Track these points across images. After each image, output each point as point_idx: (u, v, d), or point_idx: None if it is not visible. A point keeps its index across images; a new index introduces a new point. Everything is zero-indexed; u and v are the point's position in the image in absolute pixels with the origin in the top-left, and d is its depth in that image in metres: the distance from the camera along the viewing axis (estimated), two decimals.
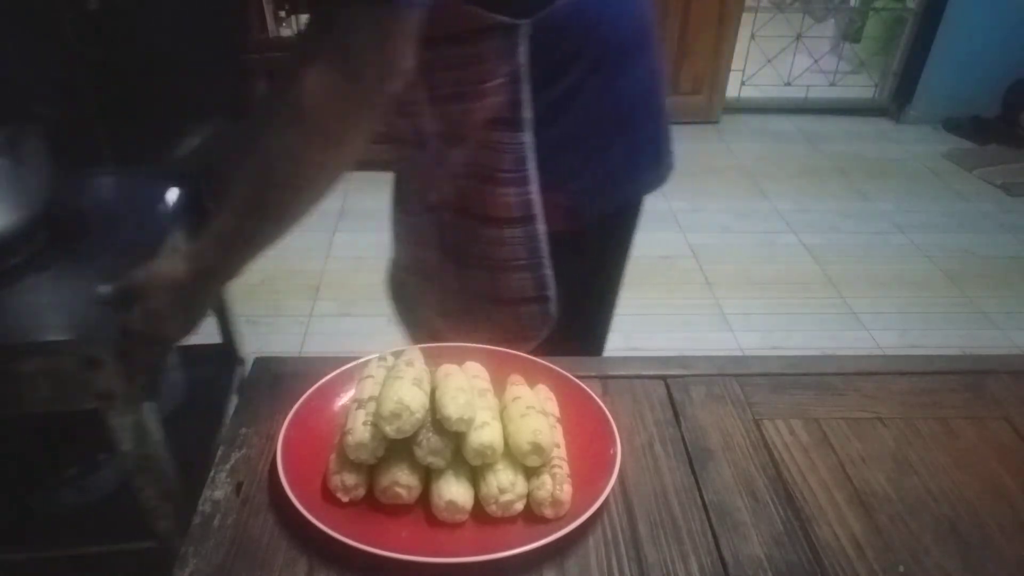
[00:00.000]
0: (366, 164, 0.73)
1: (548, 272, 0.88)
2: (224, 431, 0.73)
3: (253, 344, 2.17)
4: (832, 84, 3.85)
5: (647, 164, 0.93)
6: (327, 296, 2.38)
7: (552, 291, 0.89)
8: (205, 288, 0.77)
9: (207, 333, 1.44)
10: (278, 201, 0.71)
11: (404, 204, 0.99)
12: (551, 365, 0.78)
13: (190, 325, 0.79)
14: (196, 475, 0.73)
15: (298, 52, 0.94)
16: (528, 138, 0.80)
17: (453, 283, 0.93)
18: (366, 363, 0.76)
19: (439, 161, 0.86)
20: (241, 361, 1.58)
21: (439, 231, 0.92)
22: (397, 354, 0.75)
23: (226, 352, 1.56)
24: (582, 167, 0.86)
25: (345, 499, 0.64)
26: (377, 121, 0.69)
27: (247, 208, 0.71)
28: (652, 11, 0.88)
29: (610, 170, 0.88)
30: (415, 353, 0.74)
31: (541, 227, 0.85)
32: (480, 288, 0.90)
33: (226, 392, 1.47)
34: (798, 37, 3.79)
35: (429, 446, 0.63)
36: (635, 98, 0.87)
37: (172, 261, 0.76)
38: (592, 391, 0.75)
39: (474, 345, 0.79)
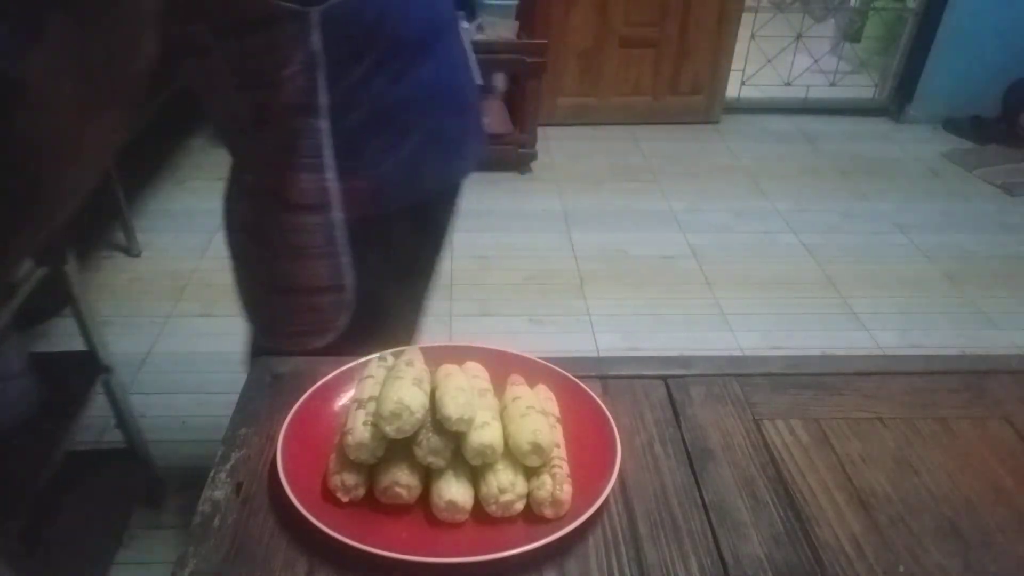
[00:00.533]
0: None
1: (345, 260, 0.89)
2: (224, 431, 0.73)
3: None
4: (832, 84, 3.86)
5: (451, 155, 0.96)
6: None
7: (349, 280, 0.90)
8: None
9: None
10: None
11: (229, 188, 0.99)
12: (551, 365, 0.78)
13: None
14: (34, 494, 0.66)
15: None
16: (324, 124, 0.82)
17: (258, 269, 0.95)
18: (366, 363, 0.76)
19: (250, 145, 0.88)
20: (107, 369, 1.45)
21: (249, 214, 0.93)
22: (397, 354, 0.75)
23: (86, 359, 1.43)
24: (380, 156, 0.87)
25: (345, 499, 0.64)
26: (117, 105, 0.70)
27: None
28: (449, 7, 0.92)
29: (409, 159, 0.89)
30: (415, 353, 0.74)
31: (338, 215, 0.86)
32: (280, 275, 0.92)
33: (81, 403, 1.35)
34: (798, 37, 3.79)
35: (429, 446, 0.63)
36: (432, 90, 0.89)
37: None
38: (592, 391, 0.75)
39: (474, 345, 0.79)
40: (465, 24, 2.97)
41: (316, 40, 0.77)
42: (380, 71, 0.83)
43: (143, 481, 1.66)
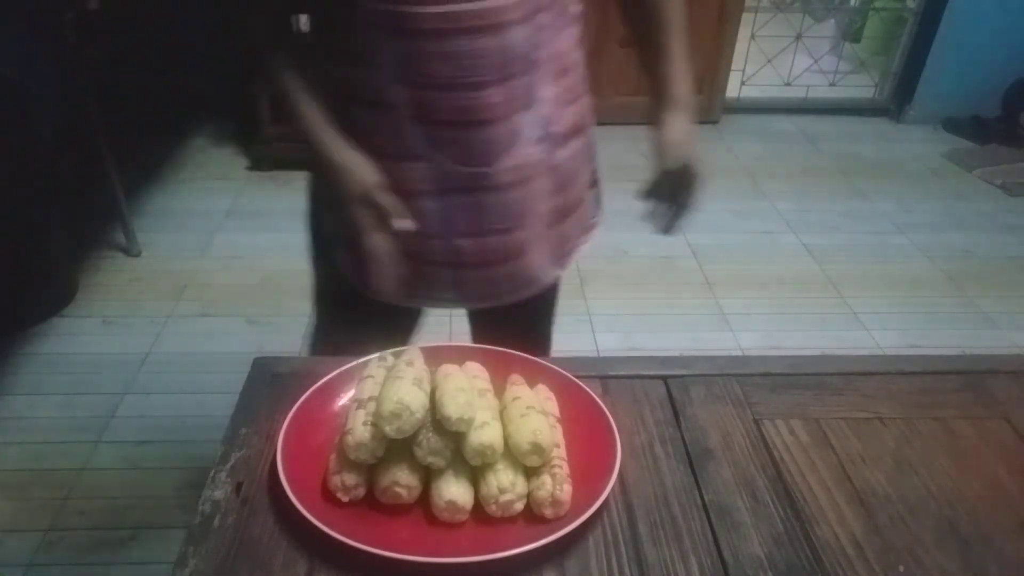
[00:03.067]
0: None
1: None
2: (224, 431, 0.73)
3: (253, 344, 2.18)
4: (832, 84, 3.85)
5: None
6: None
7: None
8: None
9: None
10: None
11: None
12: (551, 365, 0.78)
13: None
14: None
15: None
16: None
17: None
18: (366, 363, 0.76)
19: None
20: None
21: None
22: (397, 354, 0.75)
23: None
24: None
25: (345, 499, 0.64)
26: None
27: None
28: None
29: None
30: (415, 353, 0.74)
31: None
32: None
33: None
34: (798, 37, 3.79)
35: (429, 446, 0.63)
36: None
37: None
38: (592, 391, 0.75)
39: (474, 345, 0.79)
40: None
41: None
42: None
43: None
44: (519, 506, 0.64)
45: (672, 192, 0.98)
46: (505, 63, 0.83)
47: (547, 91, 0.89)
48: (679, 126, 0.96)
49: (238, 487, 0.66)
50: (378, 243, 0.86)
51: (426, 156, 0.87)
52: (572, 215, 0.99)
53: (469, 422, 0.64)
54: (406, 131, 0.86)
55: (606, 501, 0.64)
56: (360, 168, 0.85)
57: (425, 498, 0.64)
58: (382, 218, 0.85)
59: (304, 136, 0.88)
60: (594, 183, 1.06)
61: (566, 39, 0.93)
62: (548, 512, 0.63)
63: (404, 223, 0.85)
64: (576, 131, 0.96)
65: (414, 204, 0.88)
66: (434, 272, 0.94)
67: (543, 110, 0.89)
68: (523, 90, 0.86)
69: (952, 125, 3.68)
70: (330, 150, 0.86)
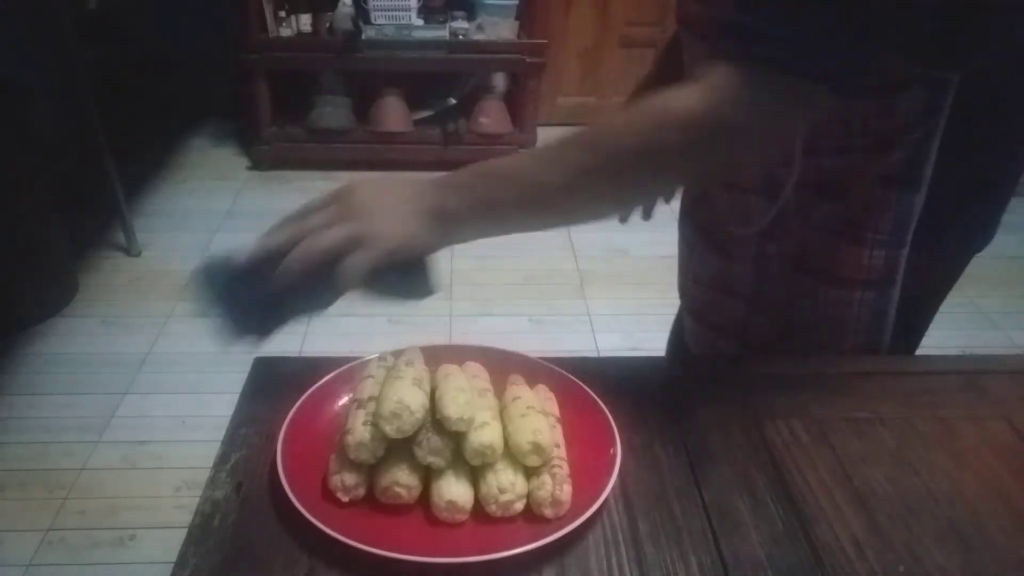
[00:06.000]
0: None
1: (886, 338, 0.83)
2: (224, 431, 0.73)
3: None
4: None
5: (989, 227, 0.88)
6: None
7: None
8: (429, 209, 0.65)
9: None
10: (606, 182, 0.65)
11: (714, 244, 0.91)
12: (551, 365, 0.78)
13: (402, 228, 0.64)
14: None
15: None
16: (920, 199, 0.74)
17: (747, 334, 0.89)
18: (366, 363, 0.76)
19: (795, 213, 0.80)
20: None
21: (759, 282, 0.86)
22: (397, 354, 0.75)
23: None
24: (946, 227, 0.80)
25: (345, 499, 0.64)
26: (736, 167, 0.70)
27: (568, 170, 0.64)
28: None
29: (969, 230, 0.83)
30: (415, 353, 0.74)
31: (896, 292, 0.80)
32: (808, 342, 0.85)
33: None
34: None
35: (429, 446, 0.63)
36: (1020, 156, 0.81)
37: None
38: (592, 391, 0.75)
39: (474, 345, 0.79)
40: None
41: (945, 108, 0.70)
42: (995, 140, 0.76)
43: None
44: (519, 506, 0.64)
45: None
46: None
47: None
48: None
49: (238, 487, 0.66)
50: None
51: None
52: None
53: (469, 422, 0.64)
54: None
55: (606, 501, 0.64)
56: None
57: (425, 498, 0.64)
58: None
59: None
60: None
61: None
62: (548, 512, 0.63)
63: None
64: None
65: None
66: None
67: None
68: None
69: None
70: None
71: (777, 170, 0.78)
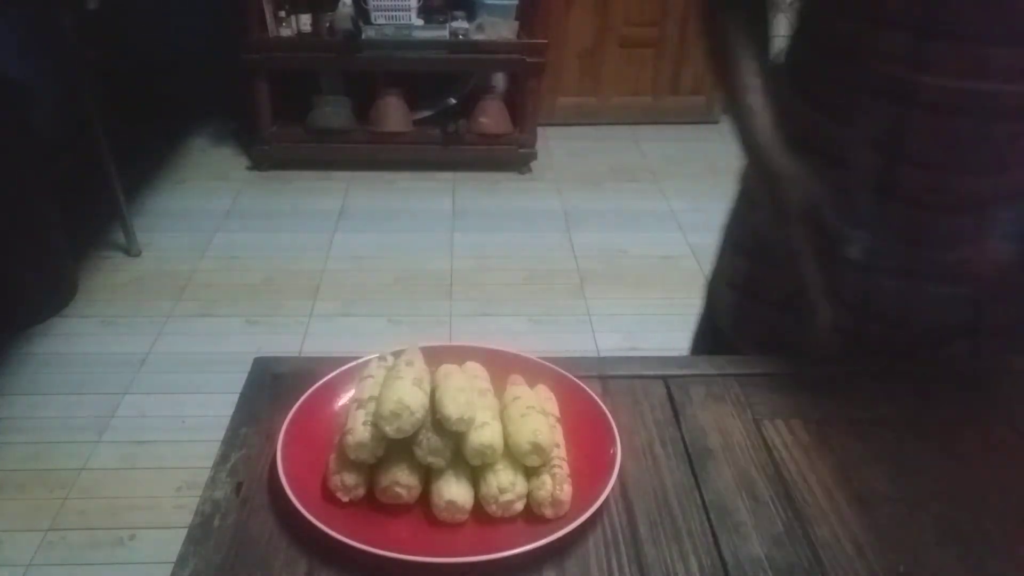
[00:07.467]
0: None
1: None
2: (224, 431, 0.73)
3: (253, 344, 2.18)
4: None
5: None
6: (327, 296, 2.38)
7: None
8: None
9: None
10: None
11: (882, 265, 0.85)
12: (551, 365, 0.78)
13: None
14: None
15: None
16: None
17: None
18: (366, 363, 0.76)
19: (997, 227, 0.78)
20: None
21: (962, 303, 0.84)
22: (397, 354, 0.75)
23: None
24: None
25: (345, 499, 0.64)
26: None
27: None
28: None
29: None
30: (415, 353, 0.74)
31: None
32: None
33: None
34: None
35: (429, 446, 0.63)
36: None
37: None
38: (592, 391, 0.75)
39: (474, 345, 0.79)
40: None
41: None
42: None
43: None
44: (519, 506, 0.64)
45: None
46: (1002, 153, 0.74)
47: None
48: None
49: (238, 487, 0.66)
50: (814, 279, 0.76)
51: (869, 228, 0.78)
52: None
53: (469, 422, 0.64)
54: (857, 198, 0.78)
55: (606, 501, 0.64)
56: (807, 181, 0.76)
57: (425, 498, 0.64)
58: (827, 239, 0.76)
59: (743, 134, 0.81)
60: None
61: None
62: (548, 512, 0.63)
63: (853, 248, 0.76)
64: None
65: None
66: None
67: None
68: (1013, 183, 0.76)
69: None
70: (774, 156, 0.78)
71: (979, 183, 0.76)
